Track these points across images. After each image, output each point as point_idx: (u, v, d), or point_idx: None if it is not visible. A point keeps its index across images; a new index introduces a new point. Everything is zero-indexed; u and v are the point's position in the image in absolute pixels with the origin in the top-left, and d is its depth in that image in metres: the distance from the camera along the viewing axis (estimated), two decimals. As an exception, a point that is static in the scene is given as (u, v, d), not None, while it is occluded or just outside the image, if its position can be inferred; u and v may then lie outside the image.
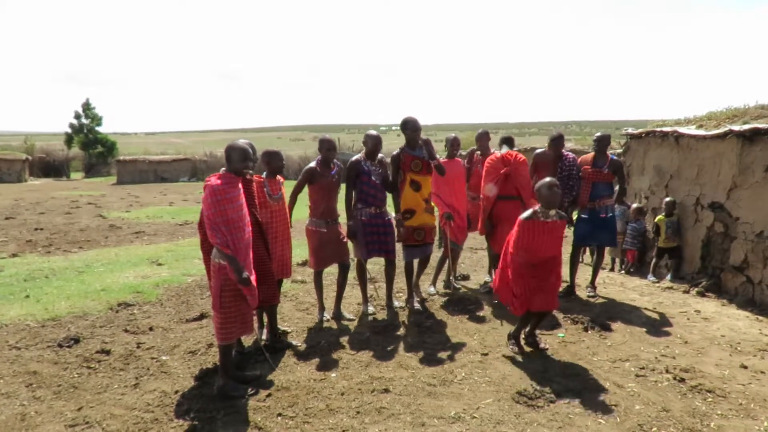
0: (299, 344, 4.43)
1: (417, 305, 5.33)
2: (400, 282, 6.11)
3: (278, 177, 4.59)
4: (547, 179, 4.02)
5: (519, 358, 4.13)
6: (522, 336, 4.34)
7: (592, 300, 5.76)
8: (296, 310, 5.38)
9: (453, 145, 5.89)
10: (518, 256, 4.06)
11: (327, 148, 4.82)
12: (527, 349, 4.27)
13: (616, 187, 6.11)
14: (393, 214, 5.17)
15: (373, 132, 5.11)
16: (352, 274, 5.55)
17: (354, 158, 5.04)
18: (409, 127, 5.08)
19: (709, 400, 3.48)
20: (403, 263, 5.38)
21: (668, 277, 6.79)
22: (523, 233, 4.01)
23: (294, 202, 4.85)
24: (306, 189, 4.90)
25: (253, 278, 3.58)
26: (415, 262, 5.45)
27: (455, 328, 4.82)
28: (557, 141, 5.79)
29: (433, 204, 5.36)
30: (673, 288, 6.35)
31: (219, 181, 3.41)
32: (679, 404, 3.41)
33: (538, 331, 4.40)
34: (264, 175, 4.49)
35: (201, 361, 4.11)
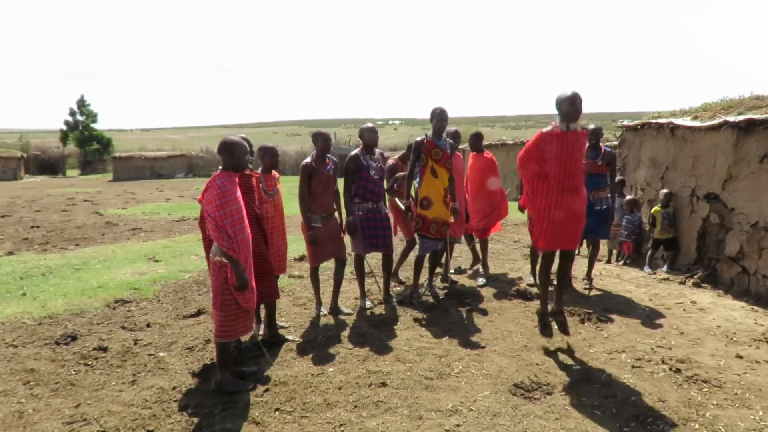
0: (297, 339, 4.44)
1: (422, 297, 5.35)
2: (404, 272, 6.12)
3: (273, 172, 4.58)
4: (569, 93, 3.87)
5: (515, 351, 4.14)
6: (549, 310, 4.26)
7: (588, 292, 5.78)
8: (293, 305, 5.38)
9: (454, 138, 5.88)
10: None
11: (323, 140, 4.80)
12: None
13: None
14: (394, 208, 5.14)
15: (369, 125, 5.10)
16: (349, 269, 5.55)
17: (353, 152, 5.03)
18: (437, 116, 5.08)
19: (705, 390, 3.50)
20: (416, 255, 5.37)
21: (664, 268, 6.81)
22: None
23: (305, 203, 4.73)
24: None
25: (252, 279, 3.58)
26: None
27: (452, 322, 4.83)
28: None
29: (452, 202, 5.24)
30: (669, 279, 6.37)
31: (224, 182, 3.39)
32: (675, 395, 3.43)
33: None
34: (259, 170, 4.48)
35: (198, 357, 4.12)
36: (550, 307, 4.28)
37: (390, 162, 6.04)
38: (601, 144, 5.80)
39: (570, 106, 3.85)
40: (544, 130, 3.96)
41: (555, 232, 3.99)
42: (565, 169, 3.94)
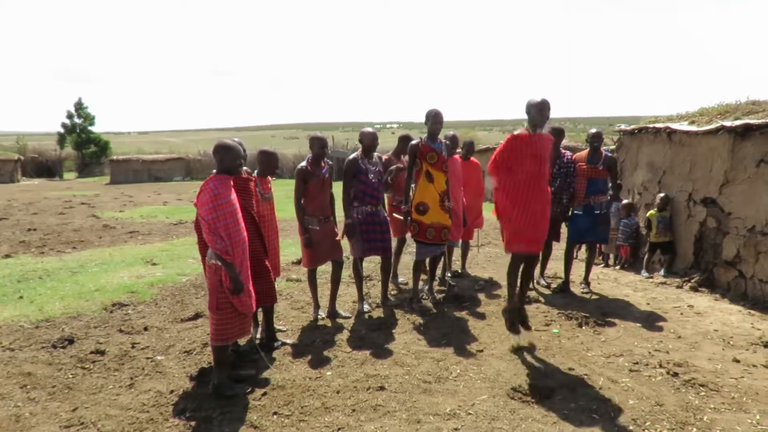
0: (295, 342, 4.43)
1: (424, 301, 5.35)
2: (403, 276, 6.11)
3: (268, 176, 4.59)
4: (539, 100, 4.12)
5: (513, 355, 4.15)
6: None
7: (586, 296, 5.79)
8: (291, 309, 5.38)
9: (452, 142, 5.89)
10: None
11: (320, 146, 4.81)
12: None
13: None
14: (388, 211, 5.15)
15: (368, 129, 5.11)
16: (347, 272, 5.54)
17: (351, 156, 5.04)
18: (431, 119, 5.06)
19: (702, 394, 3.51)
20: (414, 260, 5.36)
21: (661, 272, 6.83)
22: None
23: (300, 208, 4.74)
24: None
25: (249, 283, 3.57)
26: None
27: (450, 325, 4.83)
28: (557, 135, 5.55)
29: (448, 204, 5.19)
30: (666, 283, 6.39)
31: (217, 185, 3.39)
32: (672, 398, 3.44)
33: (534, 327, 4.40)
34: (255, 173, 4.48)
35: (196, 360, 4.11)
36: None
37: (384, 158, 6.05)
38: (602, 149, 5.80)
39: (538, 113, 4.12)
40: (515, 133, 4.22)
41: (523, 232, 4.16)
42: (532, 170, 4.14)
